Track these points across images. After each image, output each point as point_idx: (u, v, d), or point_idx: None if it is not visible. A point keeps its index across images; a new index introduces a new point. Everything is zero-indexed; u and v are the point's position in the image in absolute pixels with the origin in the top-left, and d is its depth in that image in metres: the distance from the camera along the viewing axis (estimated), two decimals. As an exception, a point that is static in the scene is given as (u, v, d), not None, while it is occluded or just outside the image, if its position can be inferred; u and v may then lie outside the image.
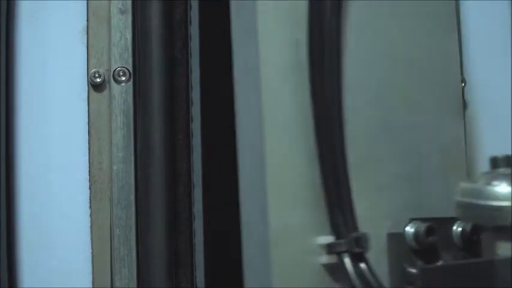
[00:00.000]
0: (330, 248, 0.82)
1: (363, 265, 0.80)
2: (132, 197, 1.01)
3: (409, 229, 0.86)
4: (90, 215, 1.02)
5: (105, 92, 1.03)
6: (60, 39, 1.05)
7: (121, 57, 1.02)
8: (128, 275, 1.00)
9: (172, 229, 1.02)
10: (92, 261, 1.02)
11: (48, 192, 1.03)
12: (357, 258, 0.80)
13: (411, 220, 0.86)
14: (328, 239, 0.82)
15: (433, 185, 0.93)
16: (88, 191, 1.03)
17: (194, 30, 1.06)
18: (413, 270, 0.82)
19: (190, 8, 1.06)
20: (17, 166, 1.02)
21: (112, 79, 1.02)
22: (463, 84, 1.12)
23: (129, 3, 1.03)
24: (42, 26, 1.04)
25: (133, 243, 1.01)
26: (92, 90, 1.03)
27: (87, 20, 1.04)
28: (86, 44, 1.04)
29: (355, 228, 0.81)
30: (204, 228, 1.05)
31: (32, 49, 1.04)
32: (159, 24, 1.02)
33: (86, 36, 1.04)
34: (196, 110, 1.06)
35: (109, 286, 1.01)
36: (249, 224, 0.83)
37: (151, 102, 1.01)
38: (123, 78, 1.02)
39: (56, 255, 1.02)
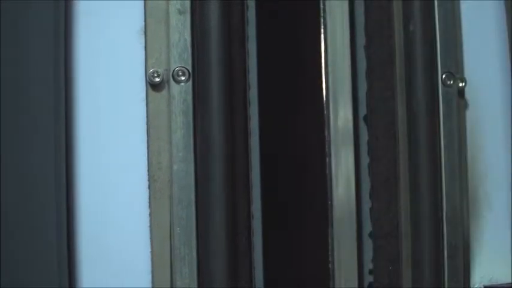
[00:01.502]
0: None
1: None
2: (193, 197, 1.01)
3: None
4: (150, 215, 1.02)
5: (164, 92, 1.03)
6: (118, 39, 1.05)
7: (180, 57, 1.02)
8: (188, 274, 1.00)
9: (232, 229, 1.02)
10: (152, 261, 1.02)
11: (108, 192, 1.03)
12: None
13: None
14: None
15: None
16: (147, 191, 1.03)
17: (251, 30, 1.07)
18: None
19: (247, 8, 1.07)
20: (77, 167, 1.02)
21: (171, 79, 1.02)
22: (463, 84, 1.13)
23: (188, 3, 1.03)
24: (100, 26, 1.04)
25: (193, 242, 1.01)
26: (150, 90, 1.03)
27: (145, 21, 1.04)
28: (144, 44, 1.04)
29: None
30: (262, 228, 1.06)
31: (90, 49, 1.04)
32: (218, 25, 1.02)
33: (143, 36, 1.04)
34: (254, 110, 1.07)
35: (169, 285, 1.01)
36: None
37: (211, 102, 1.02)
38: (183, 78, 1.02)
39: (116, 254, 1.02)
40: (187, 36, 1.03)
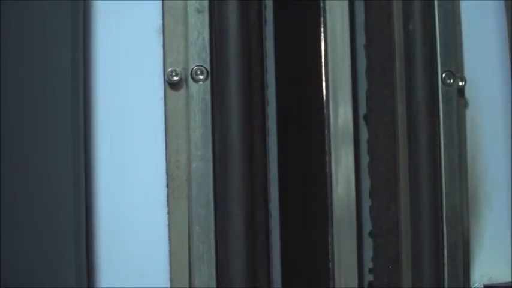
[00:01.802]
0: None
1: None
2: (211, 195, 1.01)
3: None
4: (168, 213, 1.02)
5: (182, 91, 1.03)
6: (136, 39, 1.05)
7: (199, 56, 1.03)
8: (207, 273, 1.00)
9: (250, 227, 1.02)
10: (170, 259, 1.02)
11: (126, 191, 1.03)
12: None
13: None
14: None
15: None
16: (165, 189, 1.03)
17: (269, 30, 1.07)
18: None
19: (265, 8, 1.07)
20: (95, 165, 1.02)
21: (190, 78, 1.02)
22: (463, 83, 1.13)
23: (206, 2, 1.03)
24: (118, 26, 1.04)
25: (212, 241, 1.01)
26: (168, 89, 1.03)
27: (163, 19, 1.04)
28: (162, 43, 1.04)
29: None
30: (280, 227, 1.06)
31: (108, 48, 1.04)
32: (236, 24, 1.03)
33: (161, 35, 1.04)
34: (272, 109, 1.07)
35: (187, 285, 1.01)
36: None
37: (229, 101, 1.02)
38: (201, 77, 1.02)
39: (134, 253, 1.02)
40: (206, 35, 1.03)
